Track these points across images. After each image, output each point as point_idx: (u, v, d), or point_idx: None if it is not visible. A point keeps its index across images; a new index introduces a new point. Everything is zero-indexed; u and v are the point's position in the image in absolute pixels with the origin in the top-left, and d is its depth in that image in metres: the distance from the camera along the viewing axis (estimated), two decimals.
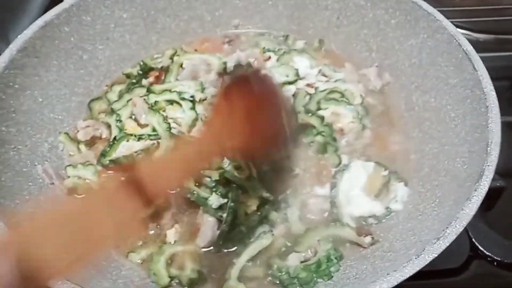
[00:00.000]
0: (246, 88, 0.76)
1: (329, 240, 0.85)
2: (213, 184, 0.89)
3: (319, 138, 0.98)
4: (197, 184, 0.90)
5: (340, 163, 0.96)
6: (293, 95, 1.06)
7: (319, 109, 1.04)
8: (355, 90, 1.08)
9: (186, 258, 0.85)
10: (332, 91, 1.07)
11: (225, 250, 0.86)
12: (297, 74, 1.11)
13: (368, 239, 0.84)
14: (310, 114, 1.02)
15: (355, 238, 0.85)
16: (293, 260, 0.83)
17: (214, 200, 0.87)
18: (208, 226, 0.87)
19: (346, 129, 1.01)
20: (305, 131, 1.00)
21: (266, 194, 0.89)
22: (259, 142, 0.76)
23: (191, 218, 0.90)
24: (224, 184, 0.89)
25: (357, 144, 1.00)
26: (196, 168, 0.76)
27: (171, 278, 0.82)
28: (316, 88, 1.08)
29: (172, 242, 0.87)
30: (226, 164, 0.90)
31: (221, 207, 0.87)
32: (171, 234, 0.88)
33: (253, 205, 0.89)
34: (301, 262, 0.83)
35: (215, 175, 0.90)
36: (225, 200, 0.87)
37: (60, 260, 0.51)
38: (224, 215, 0.85)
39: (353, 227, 0.87)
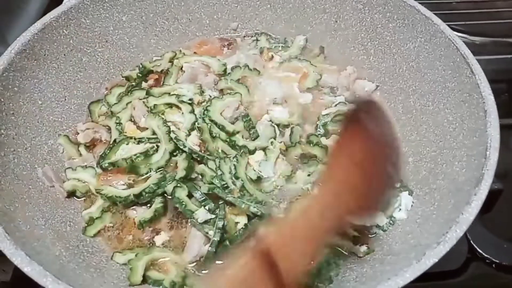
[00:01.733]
0: (364, 129, 0.70)
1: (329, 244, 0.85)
2: (203, 198, 0.89)
3: (321, 168, 0.96)
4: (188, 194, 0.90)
5: None
6: (291, 129, 1.03)
7: (327, 132, 1.03)
8: None
9: (170, 266, 0.85)
10: (337, 115, 1.06)
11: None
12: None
13: (363, 248, 0.84)
14: (312, 144, 1.00)
15: (350, 246, 0.85)
16: None
17: (201, 214, 0.87)
18: (195, 241, 0.86)
19: None
20: (308, 162, 0.98)
21: (254, 209, 0.87)
22: (375, 193, 0.71)
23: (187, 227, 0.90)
24: (215, 199, 0.90)
25: None
26: (326, 235, 0.66)
27: (147, 280, 0.82)
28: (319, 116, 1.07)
29: (161, 247, 0.88)
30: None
31: (207, 222, 0.87)
32: (160, 239, 0.89)
33: (241, 221, 0.88)
34: None
35: (205, 188, 0.90)
36: (213, 216, 0.87)
37: None
38: (211, 232, 0.85)
39: (348, 236, 0.86)
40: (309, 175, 0.96)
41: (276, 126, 1.04)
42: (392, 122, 0.74)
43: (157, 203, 0.91)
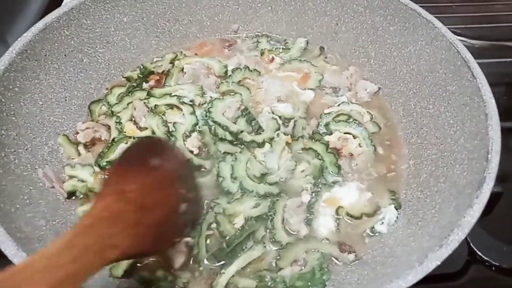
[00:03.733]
0: (140, 168, 0.69)
1: (316, 251, 0.85)
2: None
3: (316, 162, 0.97)
4: None
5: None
6: (294, 122, 1.04)
7: (329, 132, 1.03)
8: (360, 109, 1.08)
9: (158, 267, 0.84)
10: (339, 114, 1.06)
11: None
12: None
13: (351, 257, 0.84)
14: (314, 140, 1.01)
15: (337, 254, 0.85)
16: (287, 270, 0.83)
17: None
18: (179, 248, 0.86)
19: (355, 154, 0.99)
20: (307, 152, 0.99)
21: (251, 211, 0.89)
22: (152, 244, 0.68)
23: None
24: None
25: (364, 166, 0.99)
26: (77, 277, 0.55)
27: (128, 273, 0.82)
28: (321, 114, 1.07)
29: None
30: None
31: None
32: None
33: (238, 222, 0.88)
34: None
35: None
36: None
37: None
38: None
39: (334, 242, 0.87)
40: (302, 171, 0.97)
41: (278, 118, 1.04)
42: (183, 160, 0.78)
43: None
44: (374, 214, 0.91)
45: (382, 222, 0.89)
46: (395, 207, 0.91)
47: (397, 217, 0.90)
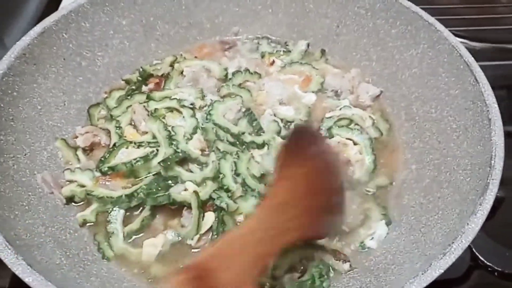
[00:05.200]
0: (304, 155, 0.73)
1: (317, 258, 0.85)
2: None
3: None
4: None
5: None
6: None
7: (331, 136, 1.02)
8: (362, 113, 1.07)
9: None
10: (340, 119, 1.06)
11: None
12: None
13: (346, 266, 0.84)
14: None
15: (332, 262, 0.84)
16: (287, 277, 0.82)
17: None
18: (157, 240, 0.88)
19: (353, 160, 0.98)
20: None
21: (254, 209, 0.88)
22: (319, 219, 0.72)
23: None
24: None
25: (360, 175, 0.98)
26: (265, 256, 0.64)
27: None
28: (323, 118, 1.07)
29: None
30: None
31: None
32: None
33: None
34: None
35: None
36: None
37: None
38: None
39: (329, 250, 0.86)
40: None
41: (279, 121, 1.04)
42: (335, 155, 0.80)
43: (146, 210, 0.91)
44: (363, 225, 0.90)
45: (372, 238, 0.88)
46: (386, 223, 0.90)
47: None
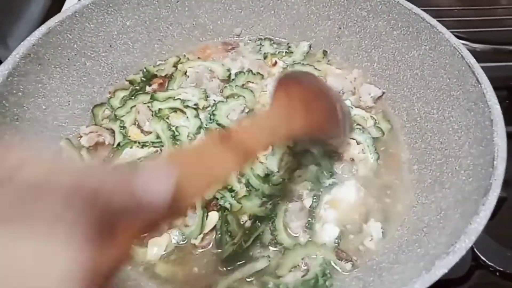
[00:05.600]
0: (299, 82, 0.83)
1: (319, 257, 0.85)
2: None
3: (312, 168, 0.97)
4: None
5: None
6: None
7: None
8: (364, 114, 1.08)
9: None
10: None
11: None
12: None
13: (348, 266, 0.84)
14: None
15: (335, 261, 0.85)
16: (290, 276, 0.83)
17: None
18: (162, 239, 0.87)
19: (356, 159, 0.99)
20: (304, 156, 0.99)
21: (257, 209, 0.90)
22: (317, 123, 0.81)
23: None
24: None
25: (364, 173, 0.99)
26: (278, 136, 0.77)
27: None
28: None
29: None
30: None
31: None
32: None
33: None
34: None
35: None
36: None
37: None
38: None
39: (332, 249, 0.86)
40: (299, 176, 0.97)
41: None
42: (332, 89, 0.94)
43: None
44: (364, 225, 0.91)
45: (371, 239, 0.89)
46: (387, 223, 0.91)
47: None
